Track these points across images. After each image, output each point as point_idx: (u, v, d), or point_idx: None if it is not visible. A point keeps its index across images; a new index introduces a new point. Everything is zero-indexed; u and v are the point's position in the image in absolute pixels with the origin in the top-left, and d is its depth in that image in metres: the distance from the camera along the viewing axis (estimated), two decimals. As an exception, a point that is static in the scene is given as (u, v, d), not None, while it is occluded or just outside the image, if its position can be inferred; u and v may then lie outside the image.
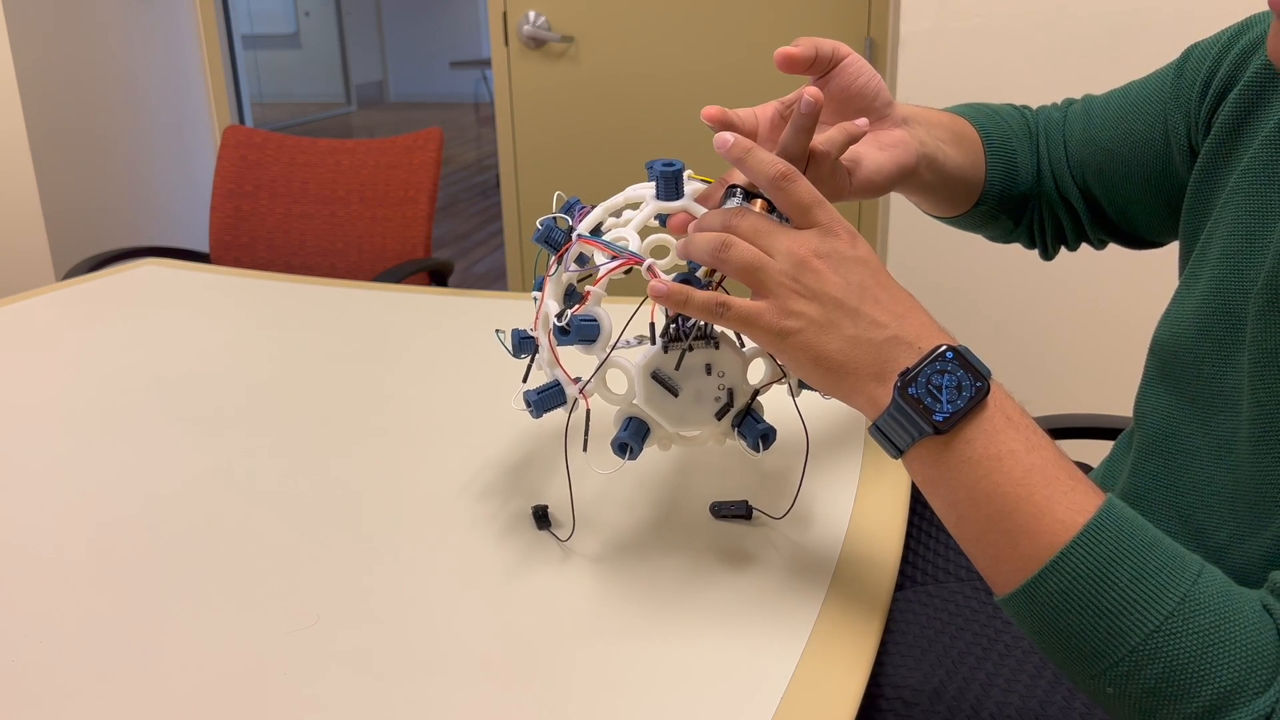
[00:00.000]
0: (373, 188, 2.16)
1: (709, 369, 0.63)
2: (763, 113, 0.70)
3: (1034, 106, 0.88)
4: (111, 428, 0.91)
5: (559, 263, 0.67)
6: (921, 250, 1.80)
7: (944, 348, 0.54)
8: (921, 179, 0.76)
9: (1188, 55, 0.73)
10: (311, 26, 8.28)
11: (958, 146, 0.79)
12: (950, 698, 0.68)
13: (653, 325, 0.63)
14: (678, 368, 0.62)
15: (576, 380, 0.65)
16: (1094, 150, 0.80)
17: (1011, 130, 0.84)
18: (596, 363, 0.63)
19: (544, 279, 0.68)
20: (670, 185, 0.65)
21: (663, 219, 0.67)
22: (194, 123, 2.84)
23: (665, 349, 0.62)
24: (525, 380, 0.70)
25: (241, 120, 2.95)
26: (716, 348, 0.63)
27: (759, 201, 0.62)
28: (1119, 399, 0.79)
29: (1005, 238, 0.89)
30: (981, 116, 0.84)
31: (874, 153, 0.72)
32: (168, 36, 2.73)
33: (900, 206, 1.80)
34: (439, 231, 4.90)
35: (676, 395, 0.63)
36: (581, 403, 0.65)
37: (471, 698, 0.56)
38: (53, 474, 0.83)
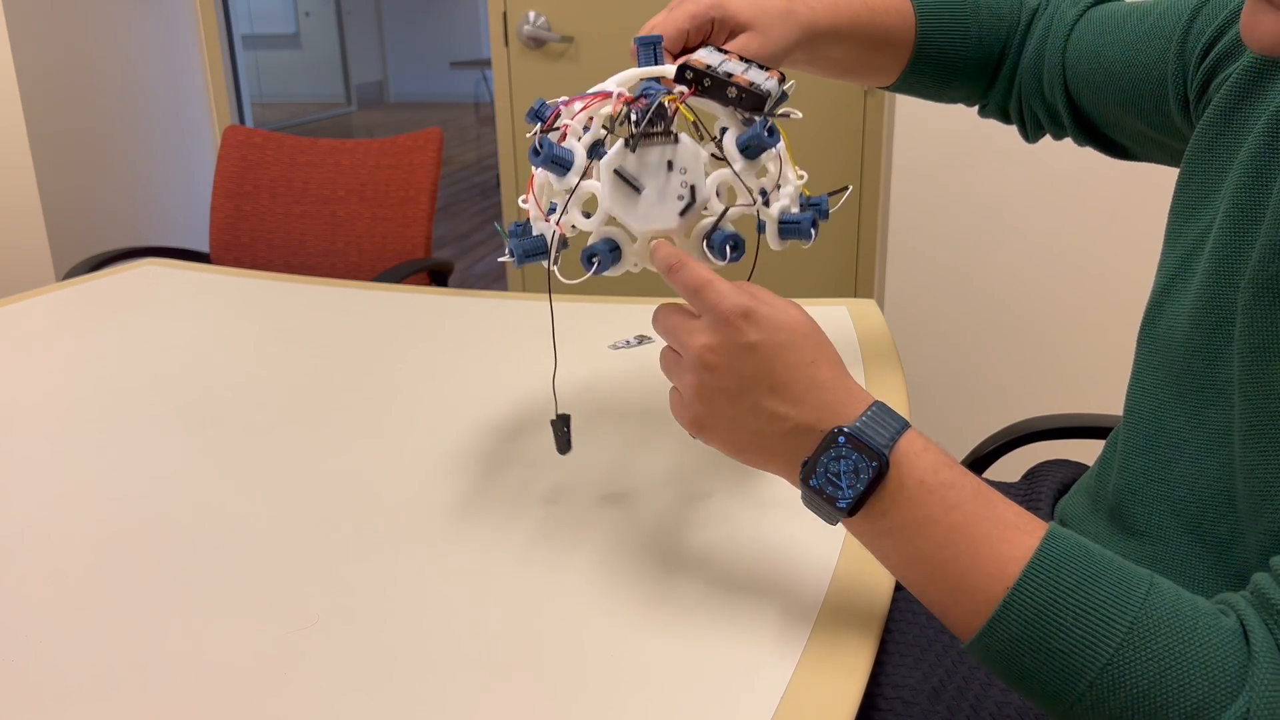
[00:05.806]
0: (373, 188, 2.16)
1: (670, 165, 0.63)
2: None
3: None
4: (111, 427, 0.91)
5: (547, 131, 0.68)
6: (922, 238, 1.80)
7: (836, 432, 0.55)
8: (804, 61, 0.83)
9: None
10: (311, 26, 8.29)
11: (867, 50, 0.84)
12: (950, 697, 0.68)
13: (612, 118, 0.63)
14: (634, 149, 0.62)
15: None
16: (1095, 67, 0.80)
17: (978, 10, 0.86)
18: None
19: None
20: (649, 53, 0.70)
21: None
22: (194, 123, 2.84)
23: (628, 145, 0.62)
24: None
25: (241, 120, 2.95)
26: (676, 142, 0.63)
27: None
28: (1119, 391, 0.78)
29: (977, 109, 0.93)
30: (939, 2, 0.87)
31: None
32: (168, 36, 2.73)
33: (901, 197, 1.80)
34: (439, 231, 4.90)
35: (640, 192, 0.63)
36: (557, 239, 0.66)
37: (471, 697, 0.56)
38: (52, 474, 0.83)
